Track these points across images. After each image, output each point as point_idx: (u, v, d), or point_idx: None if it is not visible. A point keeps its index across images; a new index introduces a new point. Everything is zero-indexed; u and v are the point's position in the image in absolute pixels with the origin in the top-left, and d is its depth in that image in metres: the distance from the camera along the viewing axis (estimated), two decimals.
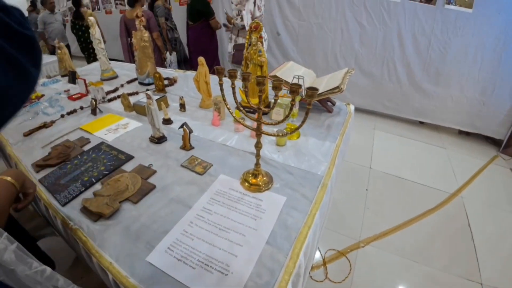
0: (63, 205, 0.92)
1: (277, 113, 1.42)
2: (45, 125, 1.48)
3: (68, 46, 4.39)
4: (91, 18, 1.88)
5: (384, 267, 1.77)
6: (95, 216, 0.86)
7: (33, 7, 5.44)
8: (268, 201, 0.91)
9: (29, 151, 1.27)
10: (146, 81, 1.91)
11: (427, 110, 3.30)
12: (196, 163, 1.07)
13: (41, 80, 2.18)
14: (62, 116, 1.56)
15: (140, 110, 1.50)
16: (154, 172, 1.04)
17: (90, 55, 4.39)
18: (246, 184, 0.96)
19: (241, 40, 2.72)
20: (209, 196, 0.93)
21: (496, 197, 2.39)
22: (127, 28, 3.00)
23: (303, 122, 0.76)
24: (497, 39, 2.70)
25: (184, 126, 1.12)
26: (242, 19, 2.54)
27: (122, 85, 1.94)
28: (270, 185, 0.97)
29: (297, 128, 0.80)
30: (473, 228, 2.08)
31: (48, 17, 4.29)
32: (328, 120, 1.46)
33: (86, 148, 1.24)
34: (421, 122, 3.48)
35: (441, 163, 2.82)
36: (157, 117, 1.15)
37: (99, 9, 5.50)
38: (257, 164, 0.96)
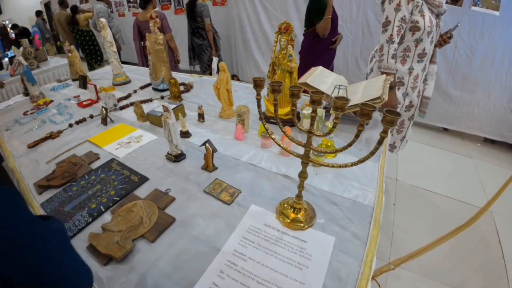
0: None
1: (307, 125, 1.26)
2: (51, 136, 1.35)
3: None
4: (103, 20, 1.75)
5: None
6: (105, 258, 0.71)
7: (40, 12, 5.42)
8: (313, 243, 0.74)
9: (33, 167, 1.14)
10: (161, 87, 1.77)
11: (453, 116, 3.10)
12: (221, 189, 0.91)
13: (51, 84, 2.07)
14: (70, 125, 1.43)
15: (154, 121, 1.35)
16: (173, 199, 0.88)
17: (92, 59, 4.36)
18: (285, 219, 0.80)
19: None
20: (240, 235, 0.76)
21: None
22: (140, 31, 2.87)
23: (350, 144, 0.62)
24: None
25: (207, 145, 0.96)
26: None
27: (135, 91, 1.80)
28: (313, 221, 0.81)
29: (347, 147, 0.65)
30: (503, 246, 1.91)
31: (108, 11, 3.71)
32: (365, 134, 1.29)
33: (94, 165, 1.10)
34: (444, 129, 3.27)
35: (468, 173, 2.62)
36: (175, 132, 1.00)
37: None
38: (299, 196, 0.80)
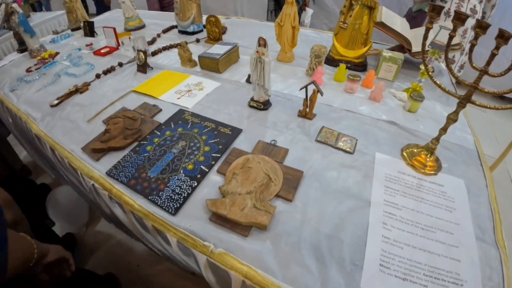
0: (175, 213, 0.63)
1: (387, 70, 1.13)
2: (77, 90, 1.12)
3: None
4: None
5: None
6: (243, 228, 0.59)
7: None
8: (449, 186, 0.70)
9: (69, 129, 0.92)
10: (191, 29, 1.50)
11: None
12: (334, 137, 0.80)
13: (47, 37, 1.70)
14: (98, 76, 1.18)
15: (210, 66, 1.15)
16: (287, 151, 0.76)
17: None
18: (417, 164, 0.73)
19: None
20: (382, 184, 0.68)
21: None
22: None
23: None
24: None
25: (313, 86, 0.81)
26: None
27: (158, 35, 1.52)
28: (441, 165, 0.75)
29: None
30: None
31: None
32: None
33: (159, 118, 0.92)
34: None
35: (482, 127, 2.71)
36: (269, 73, 0.83)
37: None
38: (438, 139, 0.72)
